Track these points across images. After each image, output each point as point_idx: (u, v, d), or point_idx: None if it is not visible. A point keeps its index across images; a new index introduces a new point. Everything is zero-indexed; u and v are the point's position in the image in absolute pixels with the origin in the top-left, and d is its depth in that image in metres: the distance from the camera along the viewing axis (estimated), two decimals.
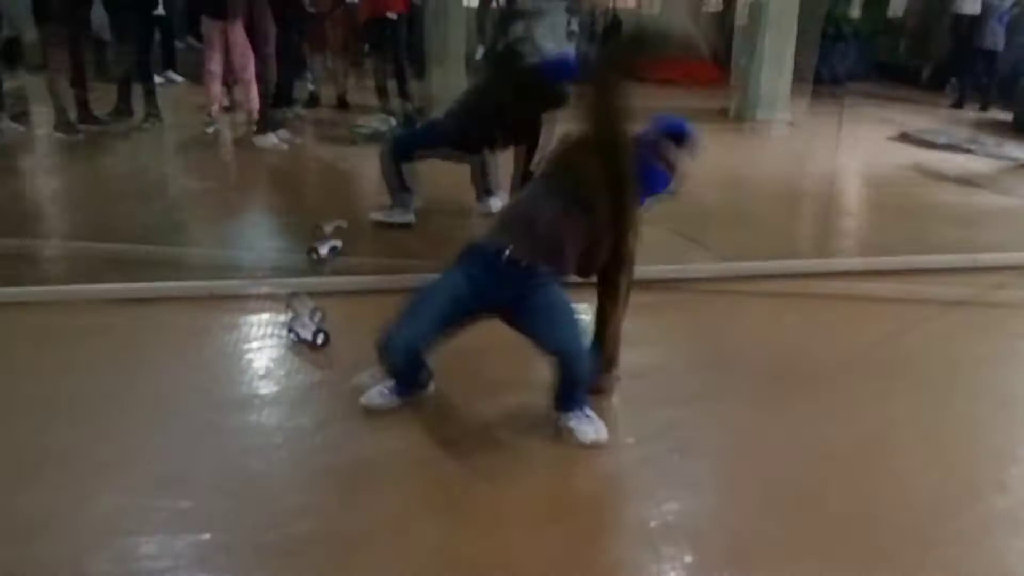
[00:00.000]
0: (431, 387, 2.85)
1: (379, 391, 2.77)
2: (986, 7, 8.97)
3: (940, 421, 2.89)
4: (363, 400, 2.76)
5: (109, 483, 2.38)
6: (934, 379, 3.19)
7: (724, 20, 10.82)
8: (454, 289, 2.68)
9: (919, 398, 3.03)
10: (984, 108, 9.01)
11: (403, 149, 4.57)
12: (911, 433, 2.80)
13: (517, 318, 2.70)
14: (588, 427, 2.63)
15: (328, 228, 4.09)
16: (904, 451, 2.69)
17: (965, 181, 6.32)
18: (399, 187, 4.54)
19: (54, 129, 6.47)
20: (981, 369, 3.32)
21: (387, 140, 4.65)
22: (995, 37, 8.96)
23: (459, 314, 2.68)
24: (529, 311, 2.66)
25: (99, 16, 7.08)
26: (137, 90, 7.02)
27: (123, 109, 6.96)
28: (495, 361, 3.08)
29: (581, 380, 2.63)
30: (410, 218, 4.54)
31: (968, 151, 6.98)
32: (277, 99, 6.47)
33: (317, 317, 3.24)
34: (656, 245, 4.22)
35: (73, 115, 6.55)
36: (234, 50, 6.51)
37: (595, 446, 2.61)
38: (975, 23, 9.08)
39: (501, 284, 2.66)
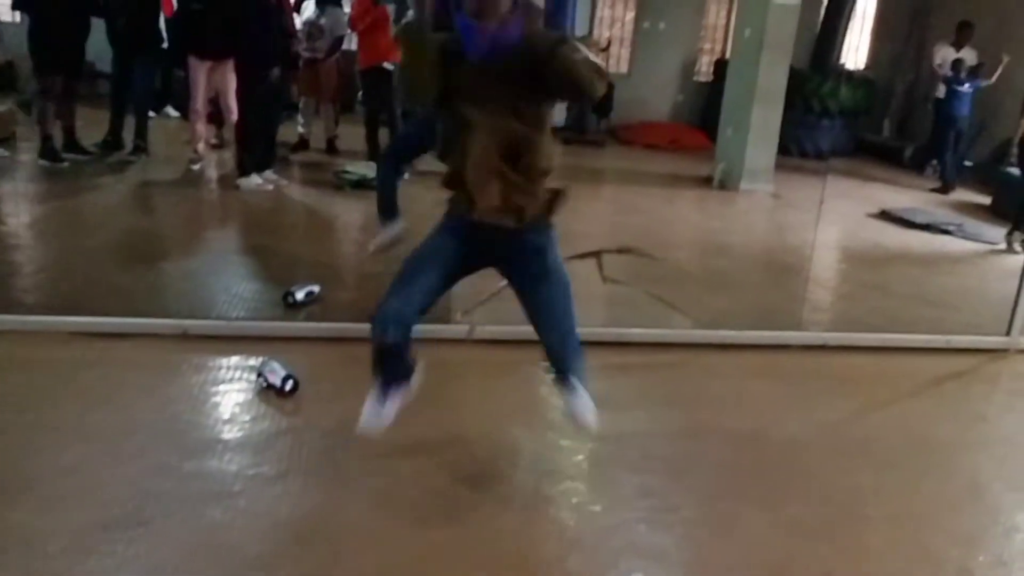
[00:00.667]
0: (414, 381, 2.68)
1: (369, 410, 2.59)
2: (951, 90, 9.22)
3: (909, 502, 2.88)
4: (361, 429, 2.60)
5: (61, 520, 2.32)
6: (903, 459, 3.18)
7: (712, 90, 11.02)
8: (440, 252, 2.59)
9: (888, 477, 3.02)
10: (946, 189, 9.19)
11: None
12: (879, 512, 2.78)
13: (514, 281, 2.67)
14: (578, 407, 2.61)
15: (300, 294, 4.03)
16: (872, 530, 2.67)
17: (942, 262, 6.40)
18: (386, 204, 4.35)
19: (39, 156, 6.45)
20: (950, 451, 3.31)
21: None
22: (962, 120, 9.22)
23: (449, 276, 2.62)
24: (528, 288, 2.62)
25: (97, 47, 7.10)
26: (128, 121, 7.00)
27: (111, 141, 6.94)
28: (455, 416, 3.06)
29: (574, 373, 2.62)
30: (399, 228, 4.32)
31: (947, 232, 7.08)
32: (262, 140, 6.48)
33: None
34: (633, 307, 4.26)
35: (59, 143, 6.53)
36: (220, 90, 6.56)
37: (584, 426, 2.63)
38: (946, 105, 9.34)
39: (487, 242, 2.57)
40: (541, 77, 2.36)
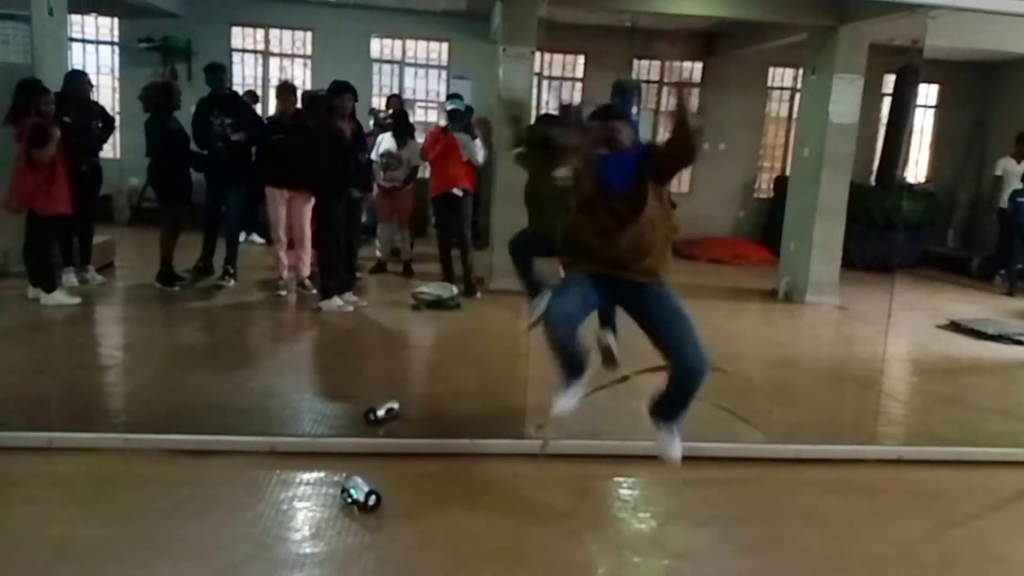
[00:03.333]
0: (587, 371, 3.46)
1: (563, 396, 3.40)
2: (1016, 201, 9.25)
3: None
4: (557, 411, 3.41)
5: None
6: None
7: (773, 205, 11.20)
8: (580, 283, 3.38)
9: None
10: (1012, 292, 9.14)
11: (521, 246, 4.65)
12: None
13: (637, 315, 3.39)
14: (671, 446, 3.35)
15: (381, 411, 4.20)
16: None
17: (1017, 372, 6.29)
18: (533, 285, 4.49)
19: (156, 280, 6.92)
20: None
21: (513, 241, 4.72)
22: None
23: (590, 301, 3.39)
24: (650, 313, 3.33)
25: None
26: (219, 248, 7.36)
27: (203, 267, 7.35)
28: (530, 530, 3.11)
29: (692, 397, 3.28)
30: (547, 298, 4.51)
31: (1020, 342, 6.97)
32: (342, 265, 6.79)
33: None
34: (704, 420, 4.29)
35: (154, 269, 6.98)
36: (292, 218, 6.94)
37: (670, 462, 3.32)
38: (1012, 214, 9.36)
39: (610, 285, 3.38)
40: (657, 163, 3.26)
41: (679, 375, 3.24)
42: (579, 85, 11.60)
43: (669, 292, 3.37)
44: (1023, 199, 9.23)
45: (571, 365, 3.38)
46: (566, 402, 3.39)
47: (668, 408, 3.35)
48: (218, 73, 7.22)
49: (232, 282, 7.20)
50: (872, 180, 10.46)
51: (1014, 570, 3.21)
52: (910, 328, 7.25)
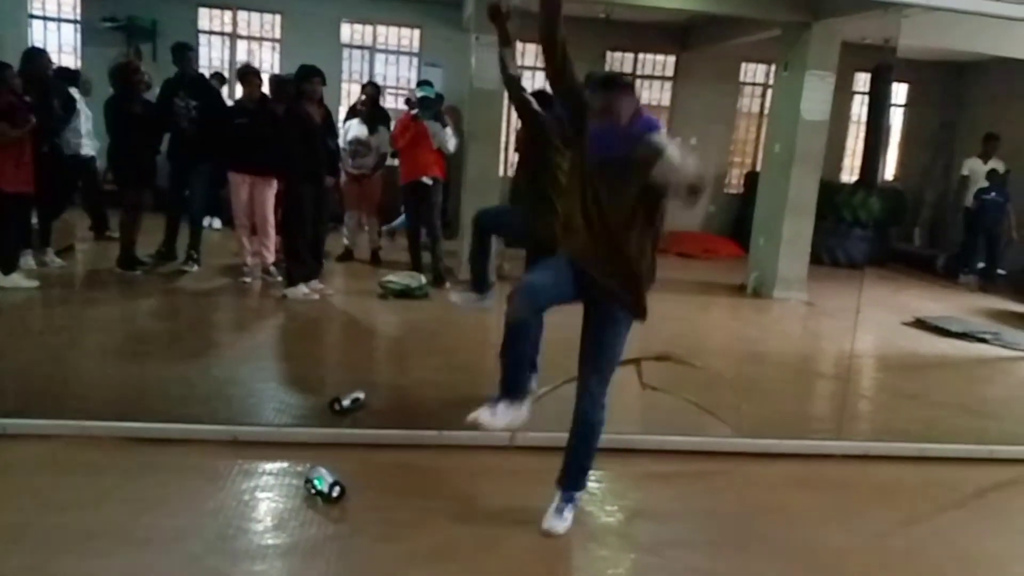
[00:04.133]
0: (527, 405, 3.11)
1: (494, 410, 3.01)
2: (983, 200, 9.40)
3: None
4: (477, 420, 3.00)
5: None
6: (948, 574, 3.14)
7: (743, 201, 11.25)
8: (562, 270, 3.06)
9: None
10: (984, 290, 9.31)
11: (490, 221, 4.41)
12: None
13: (588, 318, 3.12)
14: (559, 523, 3.09)
15: (346, 401, 4.13)
16: None
17: (981, 370, 6.37)
18: (481, 271, 4.33)
19: (117, 264, 6.81)
20: (996, 565, 3.27)
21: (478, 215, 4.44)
22: (996, 225, 9.38)
23: (565, 292, 3.04)
24: (592, 325, 3.08)
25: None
26: (181, 232, 7.26)
27: (165, 252, 7.22)
28: (496, 522, 3.08)
29: (589, 451, 3.14)
30: (487, 304, 4.34)
31: (983, 340, 7.07)
32: (309, 252, 6.69)
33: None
34: (673, 414, 4.29)
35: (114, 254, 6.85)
36: (254, 204, 6.82)
37: (546, 535, 3.06)
38: (978, 214, 9.51)
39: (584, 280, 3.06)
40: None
41: (573, 420, 3.12)
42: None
43: (621, 319, 3.07)
44: (988, 197, 9.36)
45: (517, 364, 3.05)
46: (491, 418, 3.00)
47: (567, 469, 3.19)
48: (185, 52, 7.07)
49: (195, 267, 7.09)
50: (843, 177, 10.56)
51: (976, 565, 3.23)
52: (876, 324, 7.31)
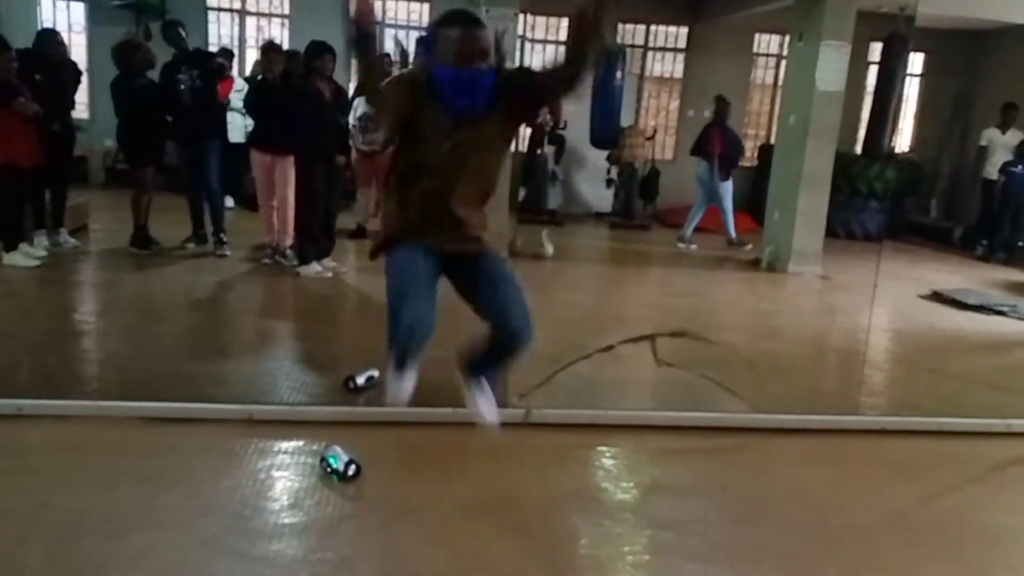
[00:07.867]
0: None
1: (398, 381, 2.95)
2: (1006, 172, 9.27)
3: None
4: (392, 400, 2.99)
5: None
6: (968, 549, 3.12)
7: (757, 174, 11.16)
8: (414, 266, 3.00)
9: (953, 569, 2.97)
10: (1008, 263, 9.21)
11: None
12: None
13: (459, 280, 3.10)
14: (485, 404, 3.12)
15: (361, 379, 4.12)
16: None
17: (998, 343, 6.32)
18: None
19: (131, 244, 6.82)
20: (1016, 540, 3.24)
21: None
22: (1013, 200, 9.26)
23: (432, 288, 3.01)
24: (476, 279, 3.01)
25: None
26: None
27: (201, 235, 7.18)
28: (511, 501, 3.08)
29: (509, 362, 3.06)
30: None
31: (1001, 312, 7.00)
32: (322, 230, 6.67)
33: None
34: (688, 390, 4.28)
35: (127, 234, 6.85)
36: (277, 183, 6.76)
37: (487, 424, 3.09)
38: (996, 185, 9.39)
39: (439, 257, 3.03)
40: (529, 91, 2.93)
41: (501, 338, 2.99)
42: (562, 49, 11.43)
43: (495, 256, 3.08)
44: (1015, 169, 9.24)
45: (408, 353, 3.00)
46: (405, 386, 2.99)
47: (480, 366, 3.13)
48: (175, 30, 7.03)
49: (227, 252, 7.02)
50: (857, 149, 10.44)
51: (997, 539, 3.21)
52: (892, 298, 7.26)
